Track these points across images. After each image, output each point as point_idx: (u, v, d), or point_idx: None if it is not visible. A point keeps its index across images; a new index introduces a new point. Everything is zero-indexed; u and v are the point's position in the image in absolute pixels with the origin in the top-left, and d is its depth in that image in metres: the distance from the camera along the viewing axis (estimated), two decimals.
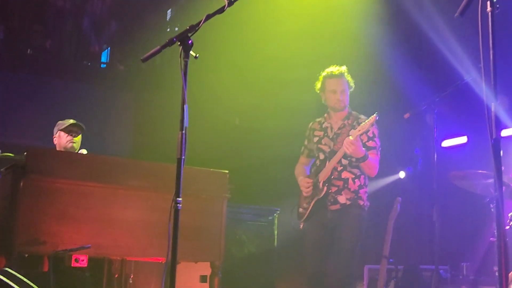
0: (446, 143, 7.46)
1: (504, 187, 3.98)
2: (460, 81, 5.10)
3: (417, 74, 6.81)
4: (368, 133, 4.75)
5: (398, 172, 7.82)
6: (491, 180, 4.93)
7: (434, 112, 5.13)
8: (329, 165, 4.76)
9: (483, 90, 2.46)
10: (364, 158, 4.63)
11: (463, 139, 7.41)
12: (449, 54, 6.26)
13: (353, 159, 4.72)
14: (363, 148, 4.61)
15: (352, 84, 4.91)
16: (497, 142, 2.22)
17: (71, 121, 5.56)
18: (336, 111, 4.91)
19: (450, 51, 6.26)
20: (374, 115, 4.53)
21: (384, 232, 5.72)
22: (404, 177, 7.79)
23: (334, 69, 4.90)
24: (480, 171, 4.99)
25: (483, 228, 5.62)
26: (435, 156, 5.06)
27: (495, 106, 2.31)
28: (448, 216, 5.79)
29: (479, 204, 5.69)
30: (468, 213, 6.79)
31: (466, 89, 5.30)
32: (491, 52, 2.46)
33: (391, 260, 5.73)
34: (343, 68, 4.90)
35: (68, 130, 5.49)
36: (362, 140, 4.71)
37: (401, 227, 5.94)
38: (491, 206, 5.19)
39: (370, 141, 4.80)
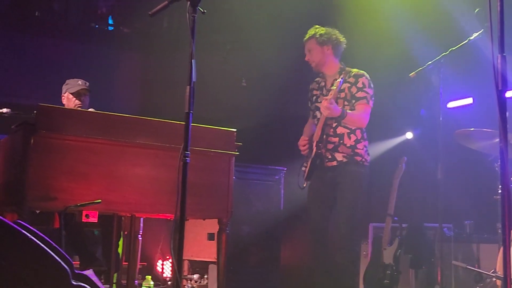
0: (452, 104, 7.42)
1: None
2: (466, 40, 5.04)
3: (422, 32, 6.74)
4: (357, 85, 4.78)
5: (404, 133, 7.81)
6: (496, 140, 4.93)
7: (440, 72, 5.09)
8: (318, 125, 4.80)
9: (490, 43, 2.44)
10: (342, 116, 4.64)
11: (468, 100, 7.37)
12: (455, 11, 6.19)
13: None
14: (339, 107, 4.62)
15: (323, 38, 4.87)
16: (502, 94, 2.20)
17: (80, 82, 5.57)
18: (321, 69, 4.94)
19: (456, 8, 6.18)
20: (338, 80, 4.56)
21: (389, 190, 5.75)
22: (411, 138, 7.78)
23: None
24: (485, 129, 4.99)
25: (487, 187, 5.63)
26: (441, 117, 5.04)
27: (501, 58, 2.29)
28: (452, 175, 5.79)
29: (483, 163, 5.71)
30: (472, 172, 6.80)
31: (472, 49, 5.26)
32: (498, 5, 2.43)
33: (395, 218, 5.77)
34: (311, 30, 4.92)
35: (78, 93, 5.50)
36: (352, 92, 4.74)
37: (406, 186, 5.96)
38: (495, 165, 5.20)
39: (359, 92, 4.81)
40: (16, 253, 2.10)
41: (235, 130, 4.45)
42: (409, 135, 7.83)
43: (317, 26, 4.96)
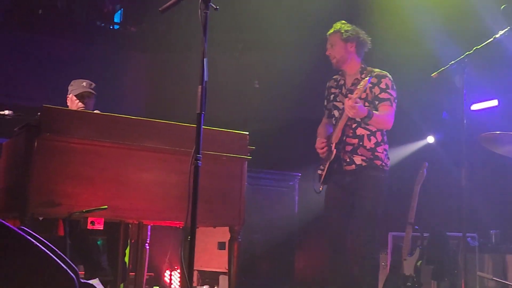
0: (476, 106, 7.39)
1: None
2: (491, 39, 5.02)
3: (445, 30, 6.72)
4: (380, 85, 4.76)
5: (426, 137, 7.79)
6: None
7: (464, 72, 5.07)
8: (339, 126, 4.77)
9: None
10: (369, 117, 4.62)
11: (494, 102, 7.34)
12: (480, 7, 6.17)
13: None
14: (365, 107, 4.59)
15: (348, 34, 4.86)
16: None
17: (84, 84, 5.60)
18: (341, 66, 4.93)
19: (481, 5, 6.16)
20: (366, 78, 4.54)
21: (410, 197, 5.73)
22: (432, 142, 7.76)
23: None
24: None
25: None
26: (464, 120, 5.02)
27: None
28: (477, 182, 5.78)
29: (510, 169, 5.68)
30: (498, 178, 6.77)
31: (498, 48, 5.23)
32: None
33: (416, 227, 5.75)
34: (338, 24, 4.93)
35: (81, 96, 5.53)
36: (375, 93, 4.73)
37: (428, 192, 5.94)
38: None
39: (383, 93, 4.78)
40: (23, 260, 2.11)
41: (247, 133, 4.46)
42: (430, 139, 7.81)
43: (344, 21, 4.96)
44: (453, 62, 5.02)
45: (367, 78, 4.55)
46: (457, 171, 5.01)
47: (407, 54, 6.93)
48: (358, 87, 4.56)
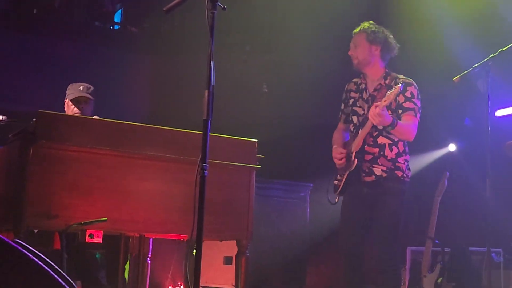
0: (501, 112, 7.37)
1: None
2: None
3: (467, 31, 6.71)
4: (405, 94, 4.73)
5: (447, 145, 7.77)
6: None
7: (488, 76, 5.06)
8: (361, 134, 4.75)
9: None
10: (393, 125, 4.60)
11: None
12: (504, 7, 6.16)
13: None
14: (390, 116, 4.57)
15: (375, 36, 4.83)
16: None
17: (81, 88, 5.61)
18: (362, 69, 4.90)
19: (506, 4, 6.16)
20: (398, 85, 4.51)
21: (430, 210, 5.72)
22: (454, 151, 7.73)
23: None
24: None
25: None
26: (488, 127, 5.00)
27: None
28: (502, 193, 5.74)
29: None
30: None
31: None
32: None
33: (436, 241, 5.73)
34: (366, 23, 4.89)
35: (76, 101, 5.55)
36: (399, 101, 4.71)
37: (449, 204, 5.93)
38: None
39: (407, 102, 4.76)
40: (17, 275, 2.11)
41: (256, 140, 4.45)
42: (452, 147, 7.78)
43: (372, 22, 4.92)
44: (476, 65, 5.01)
45: (399, 85, 4.50)
46: (480, 182, 5.01)
47: (427, 57, 6.91)
48: (388, 94, 4.51)
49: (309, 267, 6.82)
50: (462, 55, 6.36)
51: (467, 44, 6.62)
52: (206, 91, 3.09)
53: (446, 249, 5.91)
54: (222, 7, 3.14)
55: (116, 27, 9.62)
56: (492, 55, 5.01)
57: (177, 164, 4.10)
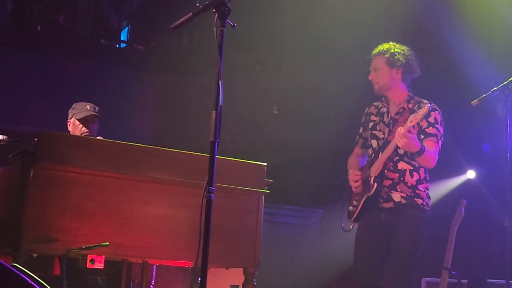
0: None
1: None
2: None
3: (486, 52, 6.71)
4: (429, 119, 4.70)
5: (465, 172, 7.73)
6: None
7: (508, 99, 5.05)
8: (381, 158, 4.70)
9: None
10: (420, 152, 4.56)
11: None
12: None
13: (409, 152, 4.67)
14: (418, 141, 4.54)
15: (395, 59, 4.79)
16: None
17: (88, 107, 5.64)
18: (386, 93, 4.87)
19: None
20: (427, 105, 4.48)
21: (446, 239, 5.68)
22: (473, 178, 7.68)
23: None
24: None
25: None
26: (508, 154, 4.99)
27: None
28: None
29: None
30: None
31: None
32: None
33: (453, 272, 5.69)
34: (385, 45, 4.86)
35: (85, 120, 5.57)
36: (421, 126, 4.67)
37: (466, 234, 5.89)
38: None
39: (431, 128, 4.73)
40: None
41: (265, 164, 4.45)
42: (470, 174, 7.75)
43: (393, 43, 4.88)
44: (495, 88, 5.01)
45: (427, 105, 4.47)
46: (499, 210, 4.98)
47: (444, 79, 6.92)
48: (414, 114, 4.48)
49: None
50: (480, 78, 6.36)
51: (485, 66, 6.62)
52: (214, 111, 3.10)
53: (463, 281, 5.86)
54: (232, 24, 3.16)
55: (123, 45, 9.67)
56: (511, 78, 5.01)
57: (183, 188, 4.11)
